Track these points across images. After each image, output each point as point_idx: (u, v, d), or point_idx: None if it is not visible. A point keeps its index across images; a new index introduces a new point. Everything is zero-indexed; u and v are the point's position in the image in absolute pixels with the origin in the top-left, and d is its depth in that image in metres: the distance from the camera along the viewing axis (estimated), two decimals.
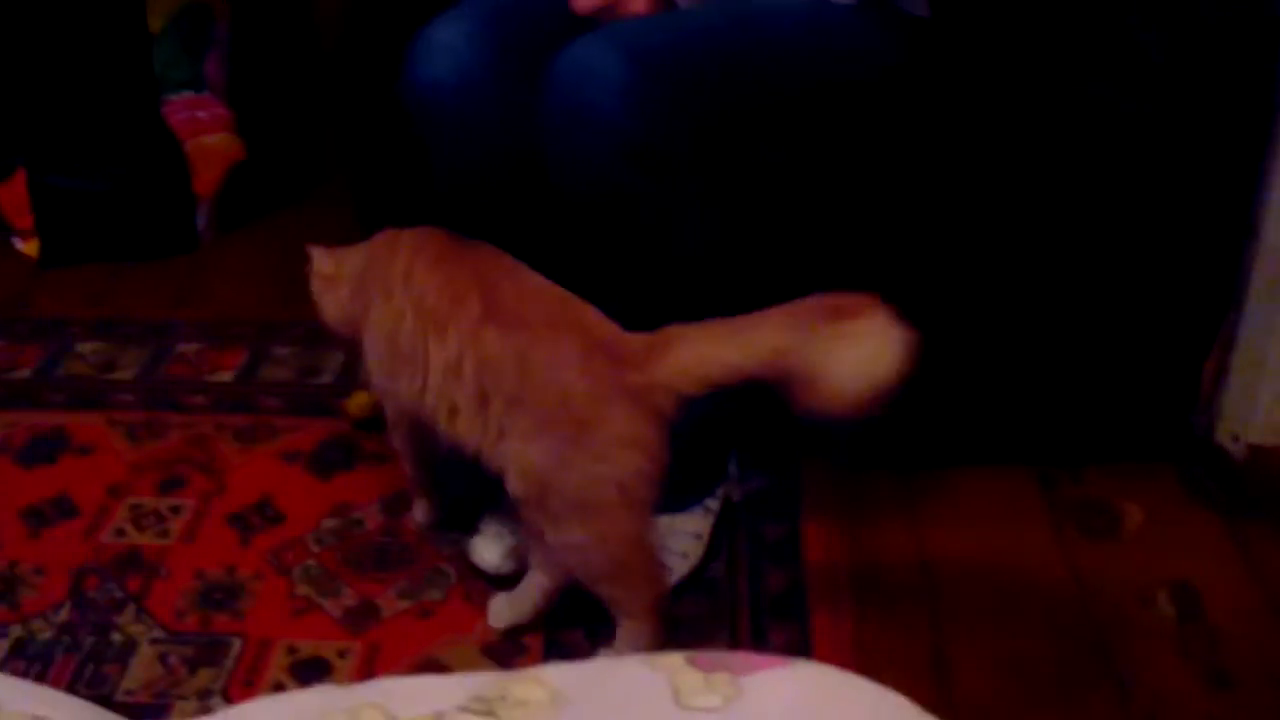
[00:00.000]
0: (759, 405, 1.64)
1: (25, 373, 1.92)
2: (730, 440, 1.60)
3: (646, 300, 1.40)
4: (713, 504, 1.57)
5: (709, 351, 1.22)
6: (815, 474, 1.70)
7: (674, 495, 1.53)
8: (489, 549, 1.53)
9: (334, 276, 1.50)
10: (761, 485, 1.66)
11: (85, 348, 1.97)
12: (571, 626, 1.46)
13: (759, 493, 1.65)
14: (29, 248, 2.22)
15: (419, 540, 1.59)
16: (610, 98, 1.29)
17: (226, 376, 1.91)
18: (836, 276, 1.60)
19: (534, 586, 1.43)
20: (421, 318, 1.34)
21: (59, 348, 1.97)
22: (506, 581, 1.52)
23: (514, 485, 1.30)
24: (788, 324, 1.21)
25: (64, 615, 1.47)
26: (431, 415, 1.35)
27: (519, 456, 1.29)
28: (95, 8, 2.13)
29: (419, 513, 1.61)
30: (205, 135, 2.26)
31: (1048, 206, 1.60)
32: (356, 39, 1.70)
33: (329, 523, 1.61)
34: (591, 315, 1.29)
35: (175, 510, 1.64)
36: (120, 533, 1.60)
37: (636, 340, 1.26)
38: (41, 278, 2.18)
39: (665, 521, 1.52)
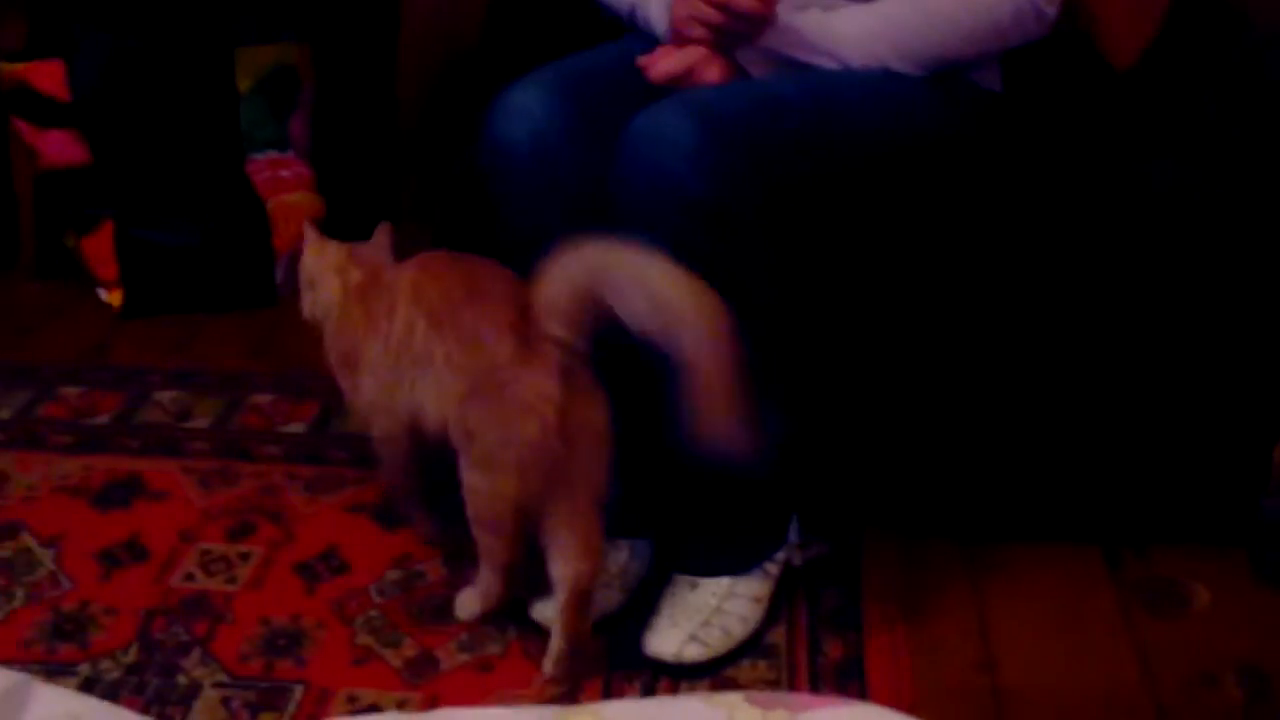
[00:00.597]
0: (820, 471, 1.65)
1: (104, 419, 1.96)
2: (791, 505, 1.60)
3: None
4: (773, 569, 1.57)
5: (549, 284, 1.36)
6: (876, 542, 1.69)
7: (734, 558, 1.54)
8: (548, 605, 1.53)
9: (313, 276, 1.63)
10: (822, 552, 1.66)
11: (163, 396, 2.02)
12: (631, 675, 1.47)
13: (819, 559, 1.65)
14: (112, 298, 2.28)
15: None
16: (682, 161, 1.32)
17: (298, 428, 1.95)
18: (902, 342, 1.61)
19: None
20: (430, 323, 1.46)
21: (138, 395, 2.02)
22: None
23: (454, 436, 1.44)
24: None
25: (132, 656, 1.50)
26: (426, 415, 1.47)
27: (461, 414, 1.43)
28: (187, 68, 2.21)
29: (425, 530, 1.70)
30: (287, 193, 2.32)
31: (1116, 281, 1.60)
32: (435, 102, 1.75)
33: (392, 574, 1.63)
34: (532, 289, 1.40)
35: (244, 557, 1.67)
36: (189, 577, 1.63)
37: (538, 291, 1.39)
38: (123, 327, 2.24)
39: (726, 584, 1.53)
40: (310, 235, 1.67)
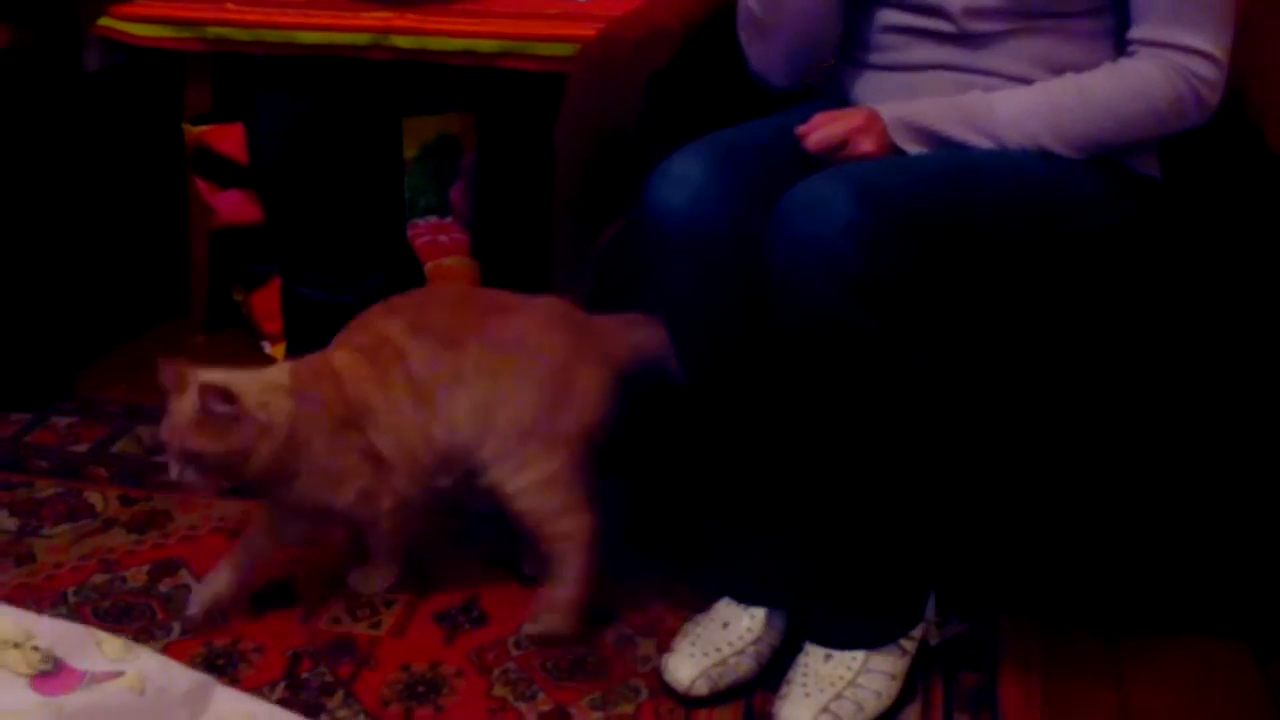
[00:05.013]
0: (960, 549, 1.64)
1: None
2: (929, 582, 1.59)
3: (855, 424, 1.44)
4: (909, 645, 1.56)
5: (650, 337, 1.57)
6: (1015, 625, 1.67)
7: (870, 631, 1.53)
8: (681, 668, 1.55)
9: (236, 415, 1.51)
10: (960, 631, 1.64)
11: None
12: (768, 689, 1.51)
13: (957, 639, 1.63)
14: (275, 351, 2.38)
15: (615, 653, 1.63)
16: (837, 233, 1.34)
17: (444, 480, 1.99)
18: (1050, 424, 1.60)
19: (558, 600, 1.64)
20: (446, 344, 1.59)
21: None
22: (699, 703, 1.54)
23: (497, 442, 1.59)
24: None
25: (279, 694, 1.55)
26: (457, 432, 1.59)
27: (510, 411, 1.58)
28: (358, 136, 2.32)
29: (369, 582, 1.75)
30: (444, 257, 2.40)
31: (1268, 370, 1.56)
32: (594, 171, 1.80)
33: (529, 628, 1.66)
34: (565, 302, 1.65)
35: (388, 604, 1.71)
36: (336, 620, 1.68)
37: (603, 320, 1.65)
38: None
39: (861, 658, 1.52)
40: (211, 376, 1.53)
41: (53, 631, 0.90)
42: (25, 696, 0.83)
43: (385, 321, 1.62)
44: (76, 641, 0.90)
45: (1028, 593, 1.70)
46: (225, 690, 0.91)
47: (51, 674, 0.86)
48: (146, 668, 0.88)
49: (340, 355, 1.62)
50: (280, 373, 1.60)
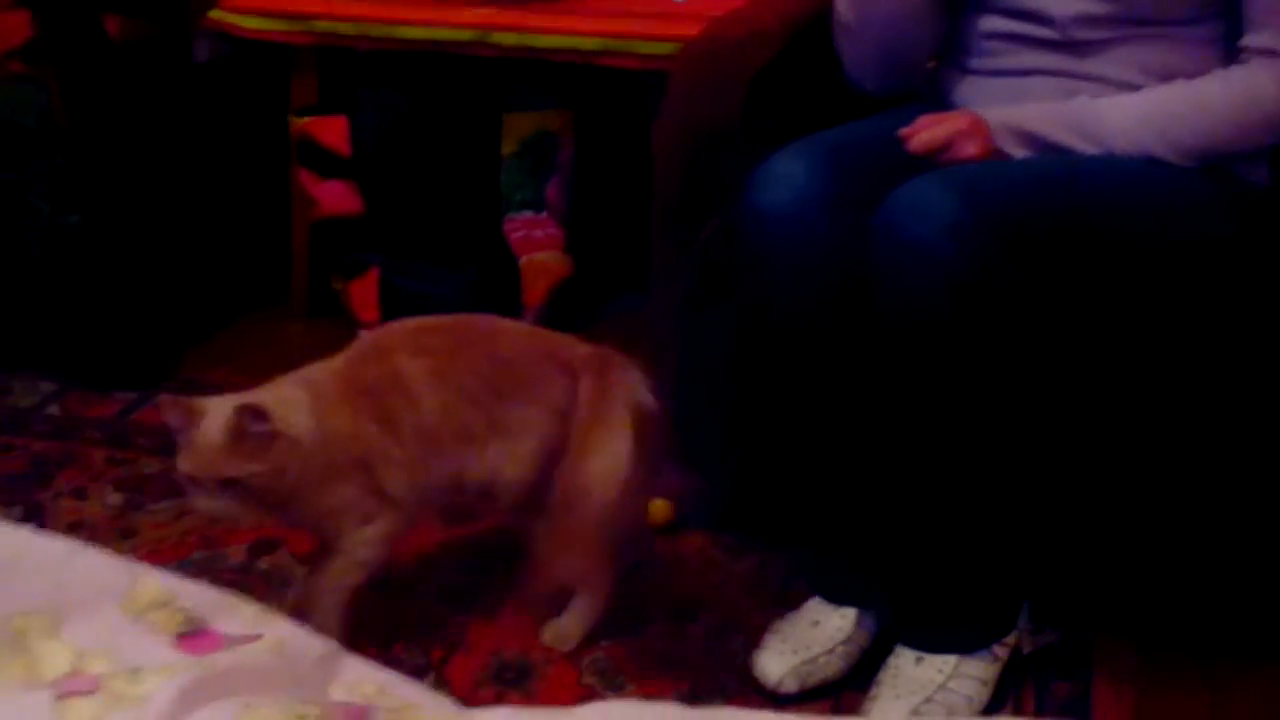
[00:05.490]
0: (1056, 558, 1.62)
1: None
2: (1023, 590, 1.58)
3: (952, 425, 1.43)
4: (1001, 652, 1.55)
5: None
6: (1111, 638, 1.65)
7: (963, 636, 1.53)
8: (770, 665, 1.55)
9: (271, 433, 1.44)
10: (1052, 640, 1.62)
11: None
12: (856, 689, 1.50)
13: (1050, 648, 1.62)
14: None
15: (704, 648, 1.64)
16: (940, 234, 1.34)
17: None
18: (1148, 439, 1.58)
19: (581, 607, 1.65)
20: (466, 399, 1.56)
21: None
22: (786, 700, 1.54)
23: (512, 494, 1.58)
24: None
25: None
26: (467, 479, 1.58)
27: (523, 469, 1.57)
28: (459, 131, 2.35)
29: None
30: (538, 252, 2.43)
31: None
32: (693, 170, 1.81)
33: (618, 618, 1.67)
34: (560, 339, 1.63)
35: (479, 589, 1.74)
36: (427, 604, 1.71)
37: (590, 353, 1.59)
38: None
39: (953, 662, 1.51)
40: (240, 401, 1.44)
41: (195, 594, 0.93)
42: (172, 654, 0.86)
43: (408, 362, 1.55)
44: (217, 605, 0.93)
45: (1124, 607, 1.68)
46: (353, 658, 0.93)
47: (193, 634, 0.89)
48: (282, 633, 0.91)
49: (352, 395, 1.54)
50: (294, 389, 1.52)
